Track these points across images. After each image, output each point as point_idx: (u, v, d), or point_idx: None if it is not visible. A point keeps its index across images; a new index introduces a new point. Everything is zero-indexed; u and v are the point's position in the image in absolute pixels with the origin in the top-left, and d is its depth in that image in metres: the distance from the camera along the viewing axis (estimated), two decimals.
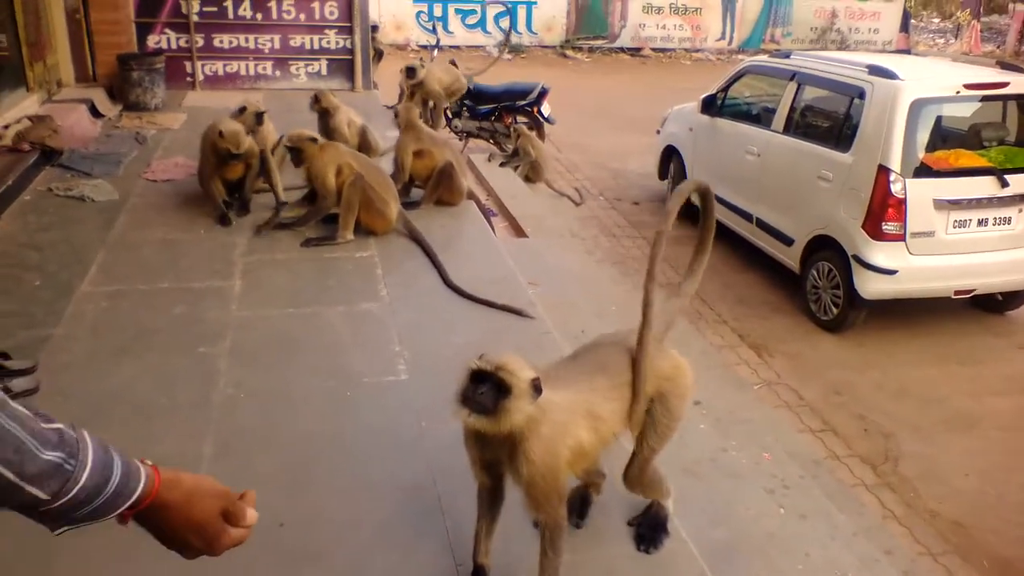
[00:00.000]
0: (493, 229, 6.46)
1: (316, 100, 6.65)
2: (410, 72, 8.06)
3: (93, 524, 1.02)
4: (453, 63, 9.94)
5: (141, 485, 1.05)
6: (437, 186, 6.13)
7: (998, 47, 24.32)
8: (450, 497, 2.83)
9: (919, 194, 5.74)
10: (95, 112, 8.24)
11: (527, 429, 2.12)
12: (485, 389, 2.06)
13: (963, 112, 6.26)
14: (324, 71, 10.23)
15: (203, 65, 9.88)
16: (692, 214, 8.41)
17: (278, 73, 10.12)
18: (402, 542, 2.69)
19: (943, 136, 6.08)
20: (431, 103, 8.91)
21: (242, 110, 5.78)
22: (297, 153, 5.21)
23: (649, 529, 2.75)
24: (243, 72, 10.05)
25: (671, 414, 2.52)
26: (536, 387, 2.09)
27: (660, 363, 2.54)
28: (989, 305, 6.52)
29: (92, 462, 0.99)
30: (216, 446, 3.07)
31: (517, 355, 2.13)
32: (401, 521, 2.78)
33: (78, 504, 0.98)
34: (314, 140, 5.24)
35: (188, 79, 9.85)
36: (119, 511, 1.03)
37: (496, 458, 2.23)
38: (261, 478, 2.88)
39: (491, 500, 2.39)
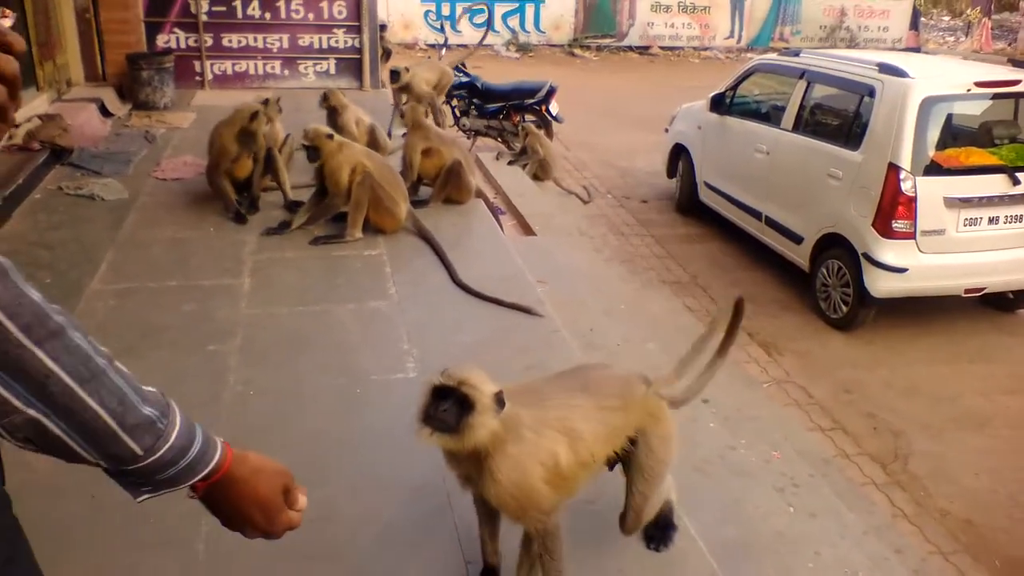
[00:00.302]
0: (501, 227, 6.46)
1: (325, 98, 6.66)
2: (393, 76, 7.99)
3: (170, 492, 1.06)
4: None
5: (217, 455, 1.09)
6: (445, 184, 6.13)
7: (1009, 45, 24.18)
8: (459, 495, 2.82)
9: (929, 192, 5.71)
10: (105, 111, 8.28)
11: (492, 446, 2.06)
12: (447, 406, 1.99)
13: (974, 110, 6.23)
14: (332, 70, 10.25)
15: (212, 64, 9.91)
16: (702, 211, 8.41)
17: (287, 72, 10.15)
18: (412, 539, 2.69)
19: (954, 134, 6.05)
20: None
21: (266, 102, 5.79)
22: (313, 150, 5.20)
23: (658, 528, 2.71)
24: (252, 71, 10.08)
25: (654, 454, 2.42)
26: (499, 401, 2.03)
27: (648, 401, 2.42)
28: (1000, 303, 6.49)
29: (180, 424, 1.03)
30: None
31: (479, 370, 2.07)
32: (410, 518, 2.78)
33: (163, 465, 1.01)
34: (330, 137, 5.25)
35: (197, 78, 9.88)
36: (196, 479, 1.06)
37: (468, 474, 2.18)
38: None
39: (487, 505, 2.32)
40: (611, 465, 2.46)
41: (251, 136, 5.55)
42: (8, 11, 5.40)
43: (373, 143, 6.57)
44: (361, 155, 5.39)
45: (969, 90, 5.96)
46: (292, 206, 5.79)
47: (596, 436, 2.27)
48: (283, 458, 2.90)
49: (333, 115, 6.58)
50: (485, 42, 20.65)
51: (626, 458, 2.42)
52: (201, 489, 1.10)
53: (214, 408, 3.34)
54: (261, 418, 3.31)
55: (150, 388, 1.02)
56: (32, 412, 0.89)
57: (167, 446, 1.00)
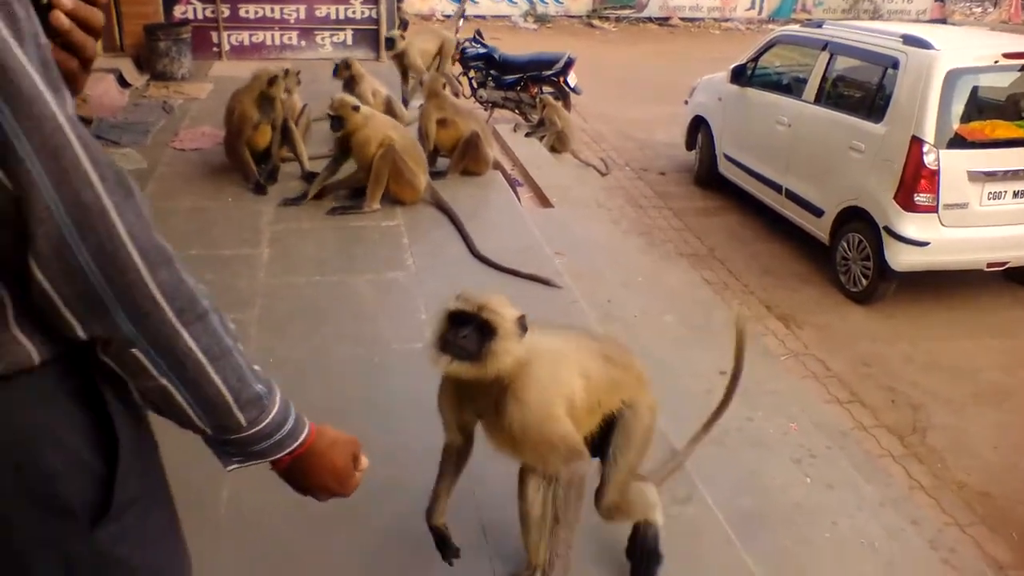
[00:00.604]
0: (519, 199, 6.45)
1: (345, 66, 6.63)
2: (388, 43, 7.91)
3: (256, 463, 1.14)
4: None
5: (304, 432, 1.16)
6: (463, 156, 6.12)
7: None
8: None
9: (953, 165, 5.64)
10: (123, 82, 8.30)
11: (518, 371, 1.94)
12: (467, 332, 1.88)
13: (1001, 82, 6.11)
14: (349, 41, 10.21)
15: (229, 35, 9.90)
16: (721, 184, 8.36)
17: (303, 43, 10.12)
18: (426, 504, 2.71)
19: (979, 107, 5.95)
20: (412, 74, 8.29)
21: (285, 72, 5.79)
22: (338, 120, 5.17)
23: (643, 555, 2.46)
24: (268, 42, 10.05)
25: (642, 422, 2.25)
26: (522, 326, 1.93)
27: (642, 372, 2.32)
28: (1022, 278, 6.42)
29: (279, 401, 1.10)
30: None
31: (498, 294, 1.97)
32: (428, 485, 2.80)
33: (261, 437, 1.09)
34: (356, 109, 5.21)
35: (214, 49, 9.87)
36: (282, 453, 1.14)
37: (480, 411, 2.06)
38: None
39: (458, 459, 2.25)
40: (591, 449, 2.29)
41: (270, 101, 5.55)
42: None
43: (390, 113, 6.56)
44: (388, 127, 5.37)
45: (996, 62, 5.85)
46: (310, 177, 5.80)
47: (602, 383, 2.18)
48: None
49: (350, 84, 6.56)
50: (507, 12, 20.49)
51: (606, 438, 2.25)
52: (286, 463, 1.17)
53: None
54: (282, 387, 3.33)
55: (256, 366, 1.08)
56: (164, 381, 0.97)
57: (268, 420, 1.08)
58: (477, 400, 2.03)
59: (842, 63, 6.85)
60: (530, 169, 7.77)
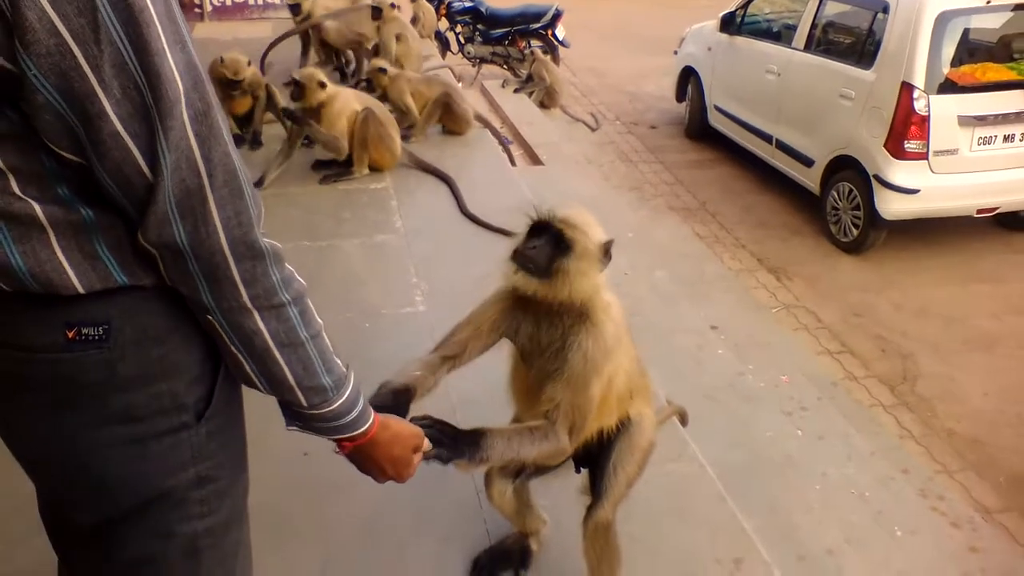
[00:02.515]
0: (511, 158, 6.40)
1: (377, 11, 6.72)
2: (293, 9, 7.03)
3: (316, 436, 1.27)
4: None
5: (366, 426, 1.29)
6: (430, 116, 6.08)
7: None
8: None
9: (943, 111, 5.60)
10: None
11: (596, 304, 1.74)
12: (539, 243, 1.69)
13: (993, 23, 6.03)
14: None
15: None
16: (712, 136, 8.31)
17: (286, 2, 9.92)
18: (424, 469, 2.73)
19: (970, 49, 5.88)
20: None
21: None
22: (299, 89, 5.04)
23: None
24: (251, 2, 9.88)
25: (645, 435, 2.10)
26: (607, 252, 1.73)
27: (649, 388, 2.17)
28: (1013, 223, 6.41)
29: (346, 398, 1.22)
30: None
31: (590, 215, 1.78)
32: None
33: (319, 419, 1.22)
34: (323, 85, 5.09)
35: (196, 10, 9.71)
36: (339, 437, 1.28)
37: (533, 337, 1.82)
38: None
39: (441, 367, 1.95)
40: (579, 464, 2.18)
41: (224, 81, 5.36)
42: None
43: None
44: (354, 100, 5.31)
45: (988, 2, 5.77)
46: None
47: (634, 377, 2.01)
48: None
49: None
50: None
51: (600, 451, 2.08)
52: (349, 447, 1.32)
53: None
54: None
55: (339, 362, 1.21)
56: (234, 350, 1.12)
57: (327, 410, 1.20)
58: (541, 324, 1.80)
59: (832, 8, 6.75)
60: (519, 126, 7.70)
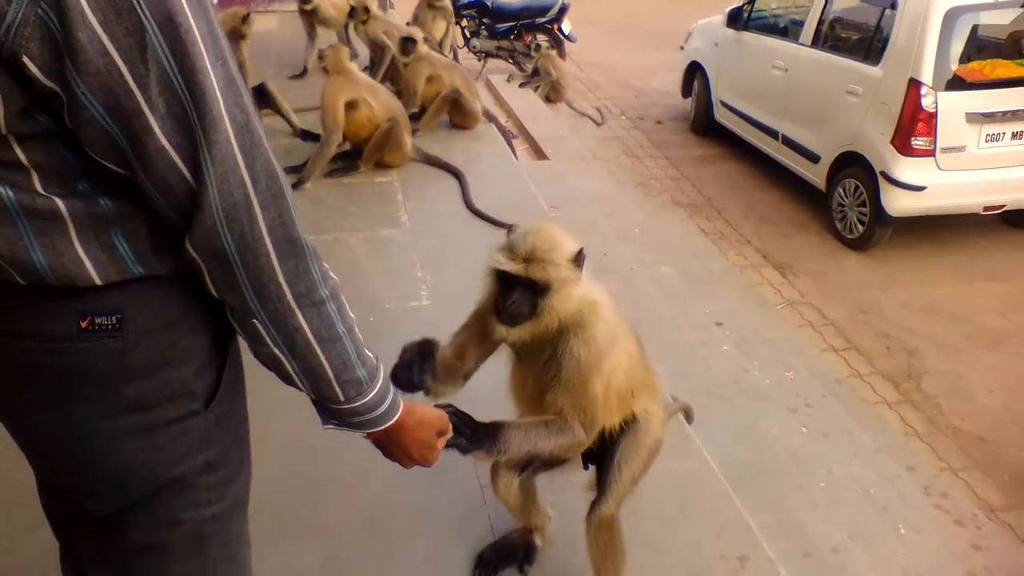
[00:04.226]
0: (514, 152, 6.39)
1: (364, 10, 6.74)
2: None
3: (349, 431, 1.30)
4: None
5: (396, 416, 1.32)
6: (438, 111, 6.07)
7: None
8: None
9: (951, 108, 5.57)
10: None
11: (584, 312, 1.79)
12: (516, 297, 1.73)
13: (1002, 20, 5.99)
14: None
15: None
16: (718, 131, 8.28)
17: None
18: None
19: (979, 46, 5.85)
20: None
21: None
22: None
23: None
24: None
25: (652, 434, 2.11)
26: (579, 262, 1.75)
27: (660, 385, 2.20)
28: (1019, 221, 6.39)
29: (378, 388, 1.25)
30: None
31: (547, 228, 1.79)
32: None
33: (355, 413, 1.25)
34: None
35: None
36: (373, 429, 1.30)
37: (531, 349, 1.87)
38: (287, 404, 2.91)
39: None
40: (587, 461, 2.19)
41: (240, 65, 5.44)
42: None
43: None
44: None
45: None
46: (303, 134, 5.75)
47: (636, 374, 2.00)
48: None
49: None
50: None
51: (607, 448, 2.10)
52: (376, 437, 1.35)
53: None
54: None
55: (370, 354, 1.24)
56: (276, 351, 1.14)
57: (363, 402, 1.23)
58: (542, 342, 1.84)
59: (839, 4, 6.73)
60: (525, 121, 7.69)
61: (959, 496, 3.66)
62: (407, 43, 5.95)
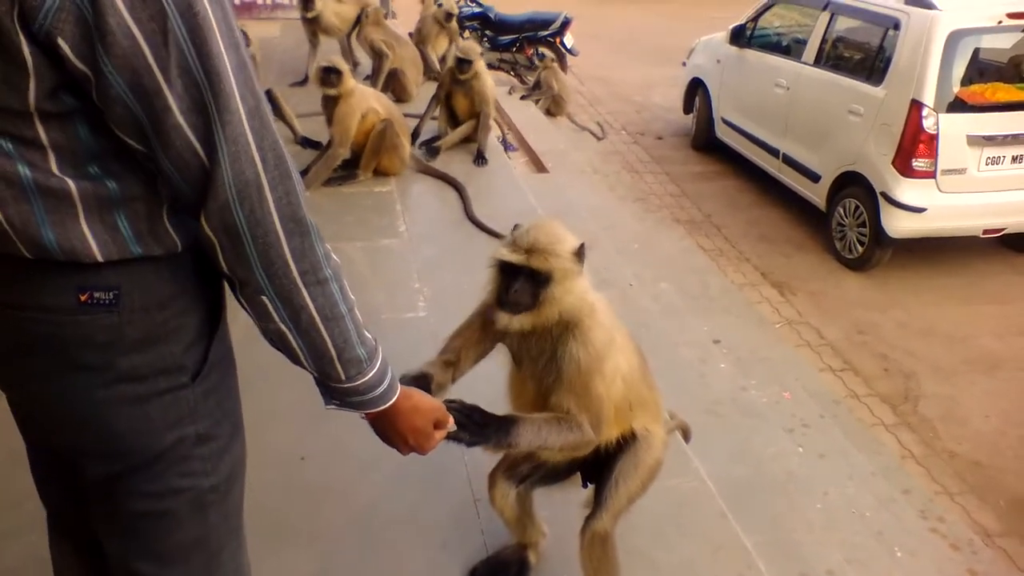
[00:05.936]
0: (507, 147, 6.38)
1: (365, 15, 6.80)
2: (306, 3, 7.19)
3: (350, 411, 1.35)
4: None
5: (394, 398, 1.37)
6: (472, 131, 6.04)
7: None
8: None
9: (952, 130, 5.58)
10: None
11: (583, 311, 1.81)
12: (519, 286, 1.76)
13: (1004, 43, 6.01)
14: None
15: None
16: (719, 148, 8.29)
17: (295, 1, 9.93)
18: (421, 477, 2.71)
19: (980, 69, 5.87)
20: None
21: None
22: (331, 74, 4.99)
23: None
24: (260, 1, 9.88)
25: (653, 452, 2.10)
26: (580, 256, 1.79)
27: (660, 402, 2.19)
28: (1018, 244, 6.39)
29: (377, 368, 1.30)
30: None
31: (549, 224, 1.83)
32: (420, 457, 2.80)
33: (355, 392, 1.30)
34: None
35: None
36: (372, 409, 1.35)
37: (530, 349, 1.89)
38: (281, 412, 2.91)
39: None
40: (586, 479, 2.19)
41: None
42: None
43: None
44: (371, 98, 5.29)
45: (1000, 22, 5.75)
46: (304, 142, 5.75)
47: (635, 387, 2.00)
48: (290, 396, 2.93)
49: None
50: None
51: (605, 463, 2.10)
52: (373, 417, 1.39)
53: None
54: (269, 356, 3.31)
55: (369, 335, 1.29)
56: (283, 327, 1.21)
57: (363, 380, 1.29)
58: (541, 340, 1.87)
59: (843, 24, 6.75)
60: (525, 133, 7.69)
61: (955, 520, 3.63)
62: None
